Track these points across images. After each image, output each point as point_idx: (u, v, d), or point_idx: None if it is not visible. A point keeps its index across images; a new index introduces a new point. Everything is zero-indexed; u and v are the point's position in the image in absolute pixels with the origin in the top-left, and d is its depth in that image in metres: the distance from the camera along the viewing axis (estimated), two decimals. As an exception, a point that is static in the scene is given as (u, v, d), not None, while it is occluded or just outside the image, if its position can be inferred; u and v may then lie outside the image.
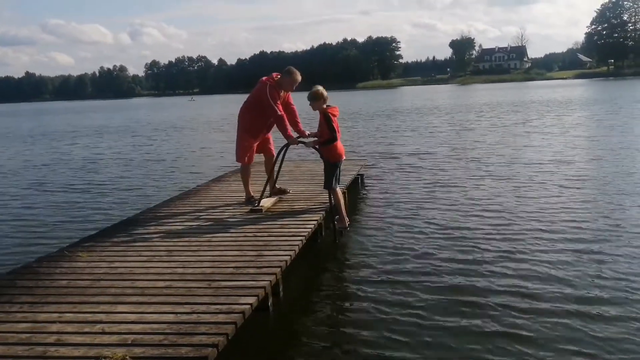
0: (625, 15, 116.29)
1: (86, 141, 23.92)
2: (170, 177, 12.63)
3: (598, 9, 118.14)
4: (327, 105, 6.36)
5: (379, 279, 5.36)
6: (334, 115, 6.38)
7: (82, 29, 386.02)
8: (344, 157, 6.66)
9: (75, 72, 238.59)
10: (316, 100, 6.30)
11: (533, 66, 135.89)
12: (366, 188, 10.03)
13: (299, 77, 6.75)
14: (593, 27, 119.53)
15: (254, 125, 6.83)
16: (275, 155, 6.99)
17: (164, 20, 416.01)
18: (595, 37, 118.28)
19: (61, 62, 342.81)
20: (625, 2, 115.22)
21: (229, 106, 59.06)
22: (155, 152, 18.37)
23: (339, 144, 6.51)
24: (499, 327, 4.21)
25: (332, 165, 6.46)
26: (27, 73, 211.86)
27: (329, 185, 6.47)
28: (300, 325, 4.50)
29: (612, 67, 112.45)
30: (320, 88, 6.34)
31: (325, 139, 6.33)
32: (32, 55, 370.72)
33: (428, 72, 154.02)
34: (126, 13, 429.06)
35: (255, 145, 6.99)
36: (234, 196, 7.55)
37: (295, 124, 6.86)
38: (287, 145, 6.73)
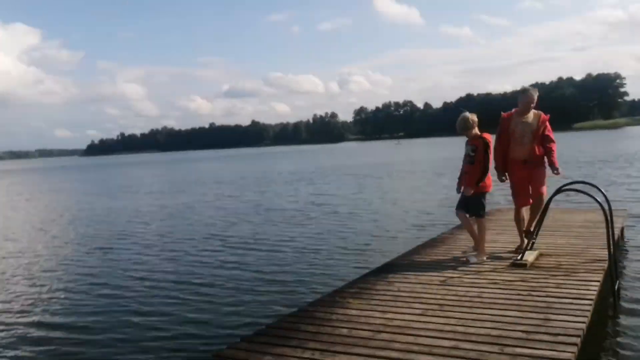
0: None
1: (322, 183, 25.49)
2: (406, 223, 12.49)
3: None
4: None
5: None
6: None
7: (297, 80, 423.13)
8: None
9: (292, 120, 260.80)
10: (467, 129, 6.24)
11: None
12: (630, 243, 8.76)
13: (533, 93, 6.39)
14: None
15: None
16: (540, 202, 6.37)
17: (369, 68, 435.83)
18: None
19: (279, 111, 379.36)
20: None
21: (437, 149, 58.71)
22: (390, 196, 18.74)
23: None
24: None
25: (484, 194, 6.39)
26: (252, 121, 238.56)
27: (483, 214, 6.39)
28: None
29: None
30: (467, 114, 6.24)
31: (480, 174, 6.16)
32: (255, 105, 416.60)
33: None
34: (335, 63, 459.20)
35: (526, 186, 6.52)
36: (488, 246, 7.05)
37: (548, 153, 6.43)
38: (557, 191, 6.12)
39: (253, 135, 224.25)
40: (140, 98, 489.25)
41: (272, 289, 7.55)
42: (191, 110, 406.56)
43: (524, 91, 6.42)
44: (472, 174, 6.29)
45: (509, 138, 6.46)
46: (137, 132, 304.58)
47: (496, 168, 6.62)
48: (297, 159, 63.18)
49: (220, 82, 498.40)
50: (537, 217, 6.44)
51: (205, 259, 9.87)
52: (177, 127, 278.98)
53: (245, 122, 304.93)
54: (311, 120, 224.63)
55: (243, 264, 9.20)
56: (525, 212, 6.62)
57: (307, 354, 3.87)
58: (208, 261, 9.64)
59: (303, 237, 11.44)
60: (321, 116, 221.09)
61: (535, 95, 6.41)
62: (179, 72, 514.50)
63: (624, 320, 5.50)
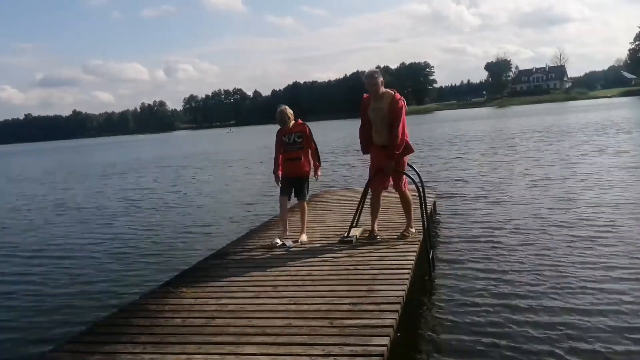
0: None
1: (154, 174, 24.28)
2: (242, 209, 12.42)
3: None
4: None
5: (481, 310, 5.26)
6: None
7: (120, 68, 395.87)
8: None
9: (117, 109, 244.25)
10: (289, 120, 6.54)
11: (574, 86, 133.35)
12: (441, 216, 9.75)
13: (370, 77, 6.14)
14: (637, 43, 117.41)
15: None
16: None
17: (197, 56, 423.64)
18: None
19: (103, 100, 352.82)
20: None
21: (265, 136, 59.41)
22: (209, 187, 18.41)
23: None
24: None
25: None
26: (74, 111, 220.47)
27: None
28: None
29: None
30: (284, 107, 6.57)
31: (318, 156, 6.67)
32: (76, 95, 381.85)
33: (463, 95, 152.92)
34: (160, 51, 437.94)
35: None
36: (317, 226, 7.37)
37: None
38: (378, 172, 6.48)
39: (75, 126, 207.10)
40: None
41: (93, 291, 6.93)
42: (1, 101, 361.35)
43: (365, 76, 6.21)
44: (309, 158, 6.54)
45: (369, 121, 6.27)
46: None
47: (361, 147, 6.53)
48: (119, 150, 59.66)
49: (34, 70, 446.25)
50: (411, 214, 6.60)
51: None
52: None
53: (65, 112, 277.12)
54: (138, 109, 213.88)
55: (47, 274, 8.02)
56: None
57: (139, 349, 3.72)
58: (4, 271, 8.41)
59: (118, 237, 10.37)
60: (149, 105, 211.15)
61: (375, 78, 6.11)
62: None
63: (438, 283, 6.10)
